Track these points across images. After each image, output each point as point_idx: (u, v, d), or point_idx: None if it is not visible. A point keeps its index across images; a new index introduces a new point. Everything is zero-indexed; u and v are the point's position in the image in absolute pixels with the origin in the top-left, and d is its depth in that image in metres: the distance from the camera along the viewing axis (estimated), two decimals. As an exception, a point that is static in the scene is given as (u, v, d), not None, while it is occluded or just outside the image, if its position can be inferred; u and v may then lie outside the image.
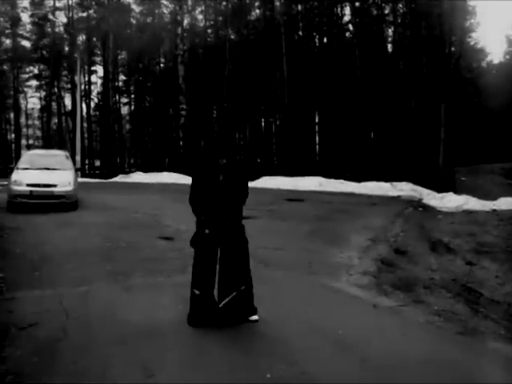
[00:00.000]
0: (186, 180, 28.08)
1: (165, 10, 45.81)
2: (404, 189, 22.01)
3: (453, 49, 29.36)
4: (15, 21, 49.06)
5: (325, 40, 41.22)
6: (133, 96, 50.35)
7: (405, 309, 5.88)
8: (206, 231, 4.90)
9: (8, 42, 50.45)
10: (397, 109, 33.77)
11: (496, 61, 59.07)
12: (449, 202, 17.34)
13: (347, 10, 39.96)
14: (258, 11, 42.83)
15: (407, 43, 35.35)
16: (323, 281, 6.92)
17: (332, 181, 24.57)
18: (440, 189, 22.84)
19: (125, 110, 52.27)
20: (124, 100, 51.52)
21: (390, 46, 40.56)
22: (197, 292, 4.91)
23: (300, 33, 41.63)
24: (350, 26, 39.56)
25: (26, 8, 49.40)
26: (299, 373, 3.92)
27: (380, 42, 38.70)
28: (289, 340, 4.62)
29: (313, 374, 3.91)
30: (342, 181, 24.60)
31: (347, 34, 40.49)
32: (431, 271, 8.05)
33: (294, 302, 5.84)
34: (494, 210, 15.46)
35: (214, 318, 4.91)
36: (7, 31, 49.39)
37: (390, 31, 40.58)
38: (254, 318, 5.02)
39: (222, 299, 4.94)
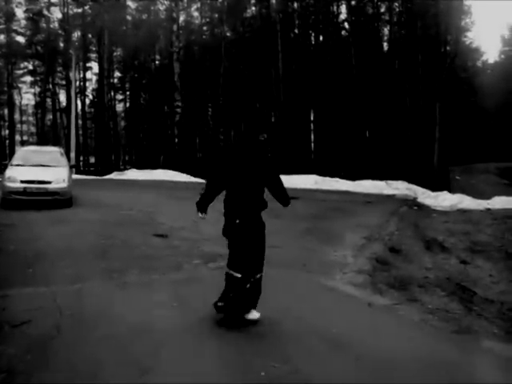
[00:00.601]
0: (181, 177, 28.08)
1: (160, 7, 45.63)
2: (399, 187, 22.07)
3: (448, 48, 29.49)
4: (9, 16, 48.78)
5: (321, 38, 41.18)
6: (128, 93, 50.18)
7: (399, 307, 5.89)
8: (237, 221, 4.96)
9: (2, 37, 50.16)
10: (392, 108, 33.81)
11: (491, 60, 59.21)
12: (443, 200, 17.38)
13: (343, 9, 39.94)
14: (253, 9, 42.74)
15: (403, 42, 35.40)
16: (318, 279, 6.93)
17: (327, 179, 24.60)
18: (435, 188, 22.91)
19: (120, 106, 52.12)
20: (119, 97, 51.36)
21: (385, 45, 40.58)
22: (238, 275, 4.93)
23: (296, 31, 41.57)
24: (346, 25, 39.52)
25: (20, 3, 49.11)
26: (293, 371, 3.91)
27: (376, 40, 38.71)
28: (283, 338, 4.62)
29: (307, 372, 3.91)
30: (337, 179, 24.63)
31: (343, 33, 40.44)
32: (426, 270, 8.06)
33: (289, 300, 5.83)
34: (488, 209, 15.51)
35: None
36: (1, 26, 49.10)
37: (386, 30, 40.62)
38: (252, 316, 5.06)
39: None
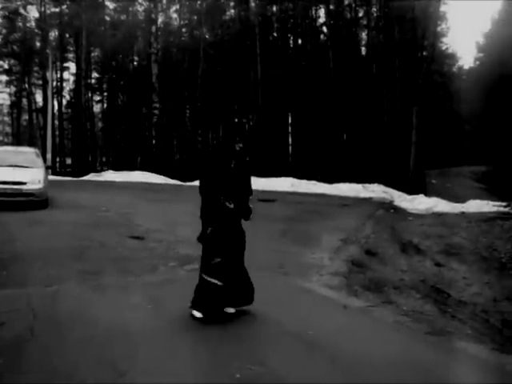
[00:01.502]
0: (158, 179, 27.96)
1: (139, 8, 45.40)
2: (375, 190, 22.27)
3: (425, 53, 29.82)
4: (-15, 15, 48.10)
5: (299, 41, 41.38)
6: (105, 94, 49.80)
7: (375, 309, 5.94)
8: (208, 230, 5.06)
9: (-23, 35, 49.43)
10: (369, 111, 34.09)
11: (466, 66, 60.23)
12: (419, 204, 17.60)
13: (322, 13, 40.22)
14: (232, 11, 42.73)
15: (380, 47, 35.72)
16: (294, 281, 6.95)
17: (304, 182, 24.71)
18: (411, 191, 23.19)
19: (97, 107, 51.69)
20: (96, 98, 50.93)
21: (363, 49, 40.93)
22: (219, 283, 5.05)
23: (275, 34, 41.69)
24: (325, 29, 39.78)
25: (-4, 1, 48.47)
26: (269, 373, 3.92)
27: (354, 44, 39.00)
28: (259, 340, 4.63)
29: (282, 374, 3.92)
30: (314, 182, 24.76)
31: (321, 37, 40.68)
32: (401, 272, 8.15)
33: (265, 302, 5.84)
34: (463, 213, 15.75)
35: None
36: (-23, 25, 48.39)
37: (364, 34, 40.99)
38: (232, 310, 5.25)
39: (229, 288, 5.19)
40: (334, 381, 3.91)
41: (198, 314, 5.06)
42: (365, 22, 39.86)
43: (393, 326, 5.37)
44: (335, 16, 38.34)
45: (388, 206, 17.28)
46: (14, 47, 48.81)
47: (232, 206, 5.05)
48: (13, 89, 53.15)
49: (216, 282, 5.02)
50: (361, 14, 40.19)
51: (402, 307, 6.16)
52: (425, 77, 28.58)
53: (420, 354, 4.53)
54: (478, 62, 57.51)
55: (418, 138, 27.94)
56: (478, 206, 16.95)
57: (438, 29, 36.44)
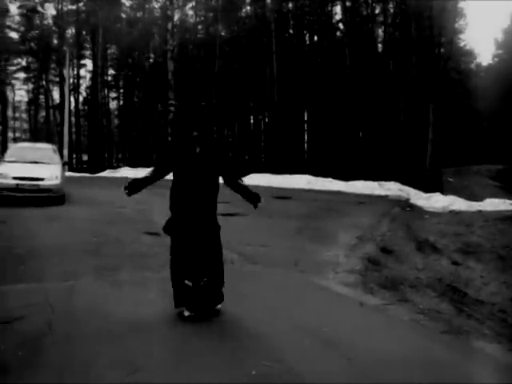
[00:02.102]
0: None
1: (155, 5, 45.60)
2: (391, 188, 22.13)
3: (442, 50, 29.54)
4: (3, 12, 48.54)
5: (315, 38, 41.26)
6: (122, 91, 50.13)
7: (390, 307, 5.91)
8: (170, 219, 4.98)
9: (-5, 33, 49.93)
10: (386, 109, 33.91)
11: (484, 63, 59.58)
12: (436, 202, 17.47)
13: (338, 9, 40.08)
14: (248, 8, 42.78)
15: (397, 43, 35.51)
16: (310, 278, 6.94)
17: (320, 179, 24.62)
18: (427, 189, 23.01)
19: (113, 104, 52.10)
20: (113, 95, 51.31)
21: (380, 46, 40.68)
22: (189, 283, 4.87)
23: (290, 31, 41.63)
24: (341, 25, 39.62)
25: (15, -1, 48.92)
26: (284, 370, 3.92)
27: (370, 41, 38.81)
28: (275, 337, 4.62)
29: (298, 371, 3.92)
30: (329, 179, 24.66)
31: (338, 33, 40.54)
32: (417, 270, 8.10)
33: (280, 300, 5.84)
34: (480, 211, 15.60)
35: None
36: (-5, 22, 48.88)
37: (381, 31, 40.75)
38: (219, 306, 5.09)
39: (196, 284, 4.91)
40: (349, 378, 3.89)
41: (186, 313, 4.95)
42: (381, 19, 39.60)
43: (409, 325, 5.34)
44: (352, 13, 38.17)
45: (404, 204, 17.17)
46: (32, 45, 49.30)
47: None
48: (30, 86, 53.77)
49: (187, 282, 4.88)
50: (377, 11, 39.94)
51: (418, 305, 6.12)
52: (442, 74, 28.30)
53: (436, 353, 4.49)
54: (496, 59, 56.94)
55: (434, 136, 27.69)
56: (494, 204, 16.78)
57: (456, 25, 36.10)
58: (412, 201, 18.37)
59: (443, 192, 22.28)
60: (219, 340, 4.53)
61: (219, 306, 5.08)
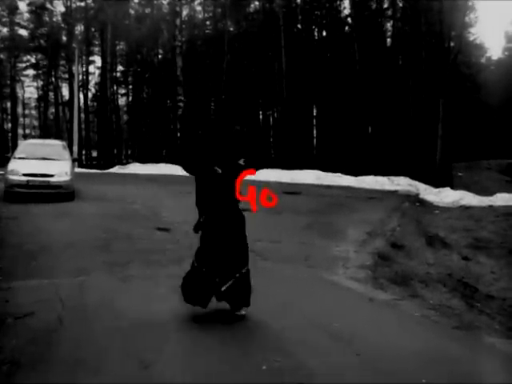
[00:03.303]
0: (183, 171, 28.09)
1: (163, 1, 45.54)
2: (401, 183, 22.06)
3: (452, 44, 29.31)
4: (12, 9, 48.75)
5: (324, 33, 41.09)
6: (131, 87, 50.15)
7: (401, 303, 5.90)
8: (201, 219, 4.94)
9: (5, 30, 50.17)
10: (395, 103, 33.73)
11: (495, 57, 58.98)
12: (446, 197, 17.38)
13: (346, 3, 39.84)
14: (257, 3, 42.59)
15: (406, 38, 35.26)
16: (320, 274, 6.94)
17: (329, 174, 24.60)
18: (437, 184, 22.89)
19: (122, 100, 52.12)
20: (122, 91, 51.33)
21: (389, 41, 40.43)
22: (203, 269, 4.85)
23: (299, 26, 41.44)
24: (349, 20, 39.40)
25: (24, -4, 49.15)
26: (295, 365, 3.92)
27: (379, 36, 38.58)
28: (285, 332, 4.63)
29: (309, 366, 3.92)
30: (339, 174, 24.63)
31: (346, 28, 40.33)
32: (427, 266, 8.07)
33: (291, 295, 5.84)
34: (491, 206, 15.50)
35: (211, 298, 4.92)
36: (4, 19, 49.08)
37: (389, 25, 40.46)
38: (242, 312, 4.96)
39: (224, 283, 4.86)
40: (360, 374, 3.89)
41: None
42: (390, 13, 39.34)
43: (419, 320, 5.33)
44: (360, 7, 37.93)
45: (414, 199, 17.11)
46: (41, 42, 49.46)
47: (220, 171, 4.88)
48: (40, 83, 53.93)
49: (203, 268, 4.85)
50: (386, 5, 39.68)
51: (428, 301, 6.11)
52: (452, 68, 28.10)
53: (447, 349, 4.47)
54: (506, 53, 56.44)
55: (444, 131, 27.51)
56: (506, 199, 16.66)
57: (466, 19, 35.81)
58: (422, 196, 18.30)
59: (453, 187, 22.14)
60: (231, 335, 4.53)
61: (243, 312, 4.99)
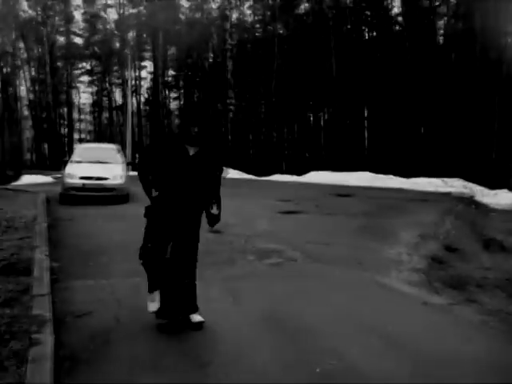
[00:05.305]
0: (234, 174, 28.30)
1: (213, 6, 46.13)
2: (455, 185, 21.56)
3: (509, 40, 28.45)
4: (69, 19, 50.47)
5: (374, 33, 40.61)
6: (182, 91, 50.94)
7: (456, 307, 5.76)
8: (154, 194, 4.54)
9: (62, 39, 51.98)
10: (448, 102, 32.95)
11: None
12: (502, 199, 16.87)
13: (397, 2, 39.26)
14: (306, 5, 42.56)
15: (460, 35, 34.39)
16: (372, 277, 6.85)
17: (381, 176, 24.30)
18: (493, 185, 22.20)
19: (174, 104, 52.98)
20: (173, 95, 52.24)
21: (441, 39, 39.55)
22: (149, 245, 4.56)
23: (348, 26, 41.11)
24: (400, 18, 38.80)
25: (78, 6, 50.83)
26: (349, 369, 3.89)
27: (431, 34, 37.77)
28: (338, 336, 4.60)
29: (362, 370, 3.89)
30: (390, 176, 24.29)
31: (396, 27, 39.74)
32: (484, 270, 7.85)
33: (343, 298, 5.80)
34: (552, 208, 14.95)
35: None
36: (61, 29, 50.86)
37: (442, 23, 39.57)
38: (199, 318, 4.69)
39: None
40: (414, 379, 3.83)
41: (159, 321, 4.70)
42: (442, 10, 38.45)
43: (476, 326, 5.19)
44: (411, 5, 37.27)
45: (468, 202, 16.66)
46: (95, 49, 50.95)
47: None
48: (94, 88, 55.54)
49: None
50: (437, 2, 38.82)
51: (485, 306, 5.94)
52: (508, 64, 27.26)
53: (506, 356, 4.34)
54: None
55: (500, 130, 26.71)
56: None
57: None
58: (477, 198, 17.79)
59: (511, 188, 21.44)
60: (282, 338, 4.54)
61: (199, 318, 4.69)
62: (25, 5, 47.37)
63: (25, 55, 48.68)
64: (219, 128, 40.70)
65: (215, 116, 42.78)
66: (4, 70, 42.08)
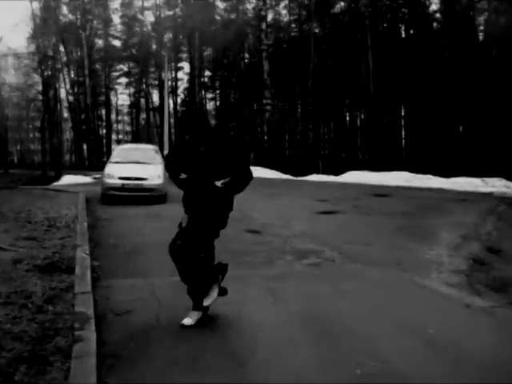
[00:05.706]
0: (271, 174, 28.33)
1: (248, 6, 46.23)
2: (496, 185, 21.10)
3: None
4: (107, 22, 51.34)
5: (411, 31, 40.03)
6: (218, 91, 51.20)
7: (500, 310, 5.62)
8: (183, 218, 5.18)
9: (100, 42, 52.91)
10: (488, 99, 32.22)
11: None
12: (546, 199, 16.41)
13: (434, -1, 38.62)
14: (342, 4, 42.27)
15: (500, 29, 33.56)
16: (412, 278, 6.76)
17: (419, 176, 23.99)
18: (537, 185, 21.65)
19: (210, 105, 53.33)
20: (209, 95, 52.53)
21: (481, 35, 38.70)
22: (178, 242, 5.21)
23: (385, 24, 40.64)
24: (438, 15, 38.15)
25: (116, 9, 51.69)
26: (389, 371, 3.85)
27: (470, 30, 37.00)
28: (378, 337, 4.55)
29: (404, 372, 3.83)
30: (429, 176, 23.95)
31: (434, 24, 39.08)
32: (529, 272, 7.64)
33: (382, 298, 5.74)
34: None
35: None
36: (100, 32, 51.77)
37: (481, 19, 38.73)
38: (187, 321, 4.74)
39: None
40: (455, 382, 3.76)
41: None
42: (482, 6, 37.61)
43: (521, 329, 5.06)
44: (450, 1, 36.59)
45: (511, 202, 16.26)
46: (133, 51, 51.68)
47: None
48: (132, 90, 56.36)
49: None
50: (478, -3, 38.02)
51: (531, 310, 5.78)
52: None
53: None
54: None
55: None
56: None
57: None
58: (520, 198, 17.35)
59: (555, 188, 20.84)
60: (323, 338, 4.52)
61: (188, 321, 4.74)
62: (65, 9, 48.40)
63: (65, 58, 49.65)
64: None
65: (250, 116, 42.87)
66: (45, 73, 43.01)
